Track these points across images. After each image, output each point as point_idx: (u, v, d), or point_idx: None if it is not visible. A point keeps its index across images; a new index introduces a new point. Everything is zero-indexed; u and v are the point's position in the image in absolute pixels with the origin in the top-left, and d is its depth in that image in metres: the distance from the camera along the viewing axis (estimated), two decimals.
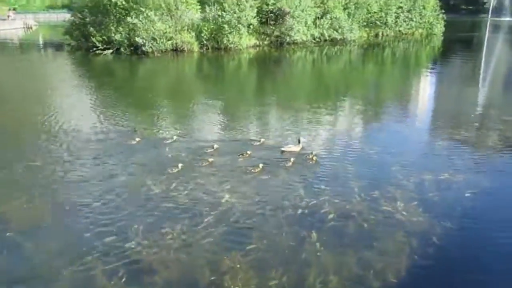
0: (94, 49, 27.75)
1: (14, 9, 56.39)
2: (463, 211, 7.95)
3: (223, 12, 29.01)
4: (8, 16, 55.01)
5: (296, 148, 10.07)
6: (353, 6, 36.21)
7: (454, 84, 21.74)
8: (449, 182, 9.19)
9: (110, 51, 27.77)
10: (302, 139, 10.36)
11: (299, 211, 7.86)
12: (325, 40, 35.64)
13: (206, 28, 29.23)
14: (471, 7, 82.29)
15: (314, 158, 9.81)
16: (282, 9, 31.25)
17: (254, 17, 30.33)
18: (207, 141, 11.53)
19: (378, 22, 39.35)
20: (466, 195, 8.60)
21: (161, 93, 19.33)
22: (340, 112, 15.69)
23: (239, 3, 28.98)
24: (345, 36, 35.68)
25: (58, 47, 34.02)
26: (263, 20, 32.29)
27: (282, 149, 10.13)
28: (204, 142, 11.39)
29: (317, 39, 34.46)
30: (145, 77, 23.76)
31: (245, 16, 29.12)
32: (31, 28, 55.22)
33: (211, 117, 14.44)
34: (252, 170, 9.29)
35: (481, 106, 16.75)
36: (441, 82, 22.50)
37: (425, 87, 21.46)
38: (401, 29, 41.36)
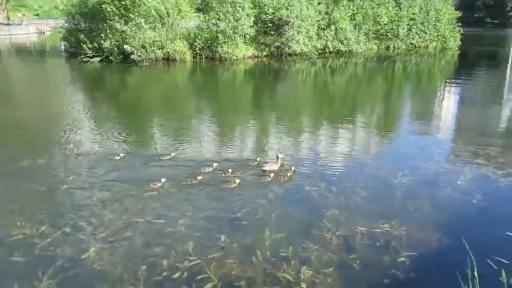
0: (83, 56, 26.84)
1: (24, 15, 56.77)
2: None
3: (217, 21, 27.78)
4: (21, 21, 55.50)
5: (275, 166, 9.36)
6: (361, 17, 34.39)
7: (470, 102, 19.73)
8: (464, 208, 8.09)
9: (98, 58, 26.84)
10: (280, 155, 9.63)
11: None
12: (330, 52, 34.00)
13: (199, 37, 28.03)
14: (496, 21, 79.05)
15: (288, 174, 9.11)
16: (282, 18, 29.77)
17: (251, 27, 28.92)
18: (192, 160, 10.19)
19: (389, 34, 37.43)
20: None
21: (142, 106, 17.82)
22: (338, 130, 13.76)
23: (235, 12, 27.66)
24: (351, 48, 33.90)
25: (59, 52, 33.53)
26: (262, 29, 30.91)
27: (263, 168, 9.37)
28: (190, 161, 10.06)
29: (319, 51, 32.77)
30: (127, 88, 22.63)
31: (241, 26, 27.73)
32: (43, 33, 55.57)
33: (196, 134, 13.10)
34: (228, 186, 8.55)
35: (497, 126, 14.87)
36: (454, 100, 20.49)
37: (436, 105, 19.18)
38: (413, 42, 39.33)
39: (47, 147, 11.22)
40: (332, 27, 32.96)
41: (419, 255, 6.37)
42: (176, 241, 6.65)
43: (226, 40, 27.80)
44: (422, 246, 6.69)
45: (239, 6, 27.59)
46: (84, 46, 27.26)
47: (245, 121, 14.72)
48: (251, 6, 29.39)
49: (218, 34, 27.63)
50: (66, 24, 30.72)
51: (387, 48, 38.70)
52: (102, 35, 26.95)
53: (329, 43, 33.12)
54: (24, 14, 57.46)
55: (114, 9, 26.23)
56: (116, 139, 11.93)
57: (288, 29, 29.83)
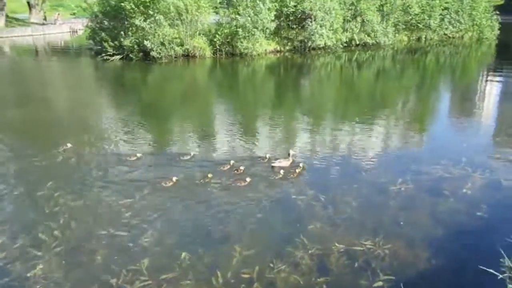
0: (103, 55, 27.02)
1: (58, 14, 58.25)
2: None
3: (237, 16, 27.22)
4: (55, 20, 56.97)
5: (286, 163, 9.19)
6: (389, 7, 32.82)
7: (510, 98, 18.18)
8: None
9: (119, 57, 26.93)
10: (292, 152, 9.49)
11: None
12: (357, 45, 32.70)
13: (219, 33, 27.57)
14: None
15: (297, 171, 8.93)
16: (305, 11, 28.84)
17: (272, 21, 28.16)
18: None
19: (420, 25, 35.60)
20: None
21: (159, 104, 17.54)
22: (361, 128, 12.98)
23: (255, 6, 26.98)
24: (378, 40, 32.47)
25: (84, 51, 34.03)
26: (284, 23, 30.10)
27: (272, 164, 9.25)
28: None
29: (345, 44, 31.56)
30: (145, 86, 22.43)
31: (261, 20, 27.03)
32: (76, 32, 56.82)
33: (214, 132, 12.84)
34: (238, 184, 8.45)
35: None
36: (492, 95, 18.77)
37: (472, 101, 17.51)
38: (447, 32, 37.25)
39: (49, 147, 11.00)
40: (358, 19, 31.63)
41: (399, 280, 5.62)
42: (132, 257, 6.22)
43: (246, 35, 27.19)
44: (406, 268, 5.96)
45: (259, 0, 26.86)
46: (106, 44, 27.43)
47: (264, 119, 14.29)
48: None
49: (238, 29, 27.05)
50: (90, 23, 30.99)
51: (419, 39, 36.89)
52: (122, 33, 26.93)
53: (355, 36, 31.82)
54: (59, 14, 58.91)
55: (133, 6, 26.16)
56: (133, 139, 11.81)
57: (311, 22, 28.82)
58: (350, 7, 31.66)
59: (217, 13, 29.03)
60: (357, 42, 32.32)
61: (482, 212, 7.39)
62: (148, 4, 26.22)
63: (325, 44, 30.06)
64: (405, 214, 7.36)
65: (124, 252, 6.33)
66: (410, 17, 34.87)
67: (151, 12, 25.66)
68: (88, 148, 10.89)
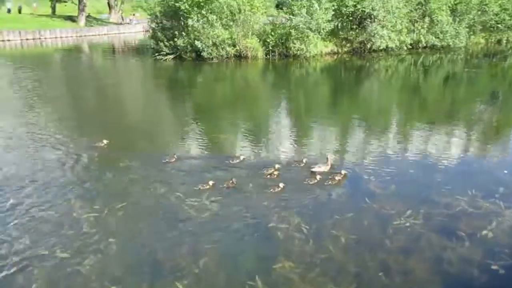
0: (156, 54, 27.47)
1: (133, 15, 60.89)
2: None
3: (291, 16, 26.26)
4: (130, 20, 59.72)
5: (325, 168, 9.01)
6: (464, 7, 29.87)
7: None
8: None
9: (172, 56, 27.20)
10: (330, 157, 9.28)
11: None
12: (425, 47, 30.23)
13: (272, 33, 26.80)
14: None
15: (337, 178, 8.61)
16: (365, 11, 27.10)
17: (330, 21, 26.80)
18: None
19: (500, 26, 32.06)
20: None
21: (205, 107, 17.08)
22: (412, 139, 11.86)
23: (310, 5, 25.82)
24: (448, 43, 29.70)
25: (146, 50, 35.05)
26: (343, 24, 28.57)
27: (312, 169, 9.04)
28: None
29: (409, 46, 29.27)
30: (192, 86, 22.27)
31: (315, 20, 25.81)
32: (148, 31, 59.06)
33: (261, 136, 12.37)
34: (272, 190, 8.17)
35: None
36: None
37: None
38: None
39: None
40: (426, 19, 29.16)
41: None
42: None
43: (300, 36, 26.13)
44: None
45: (315, 0, 25.68)
46: (161, 44, 27.87)
47: (312, 124, 13.67)
48: None
49: (291, 30, 26.09)
50: (150, 23, 31.74)
51: (499, 42, 33.26)
52: (176, 33, 27.17)
53: (421, 37, 29.38)
54: (134, 15, 61.68)
55: (187, 6, 26.26)
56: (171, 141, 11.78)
57: (371, 23, 27.02)
58: (417, 7, 29.28)
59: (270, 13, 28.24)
60: (424, 44, 29.83)
61: (499, 265, 5.88)
62: (202, 4, 26.16)
63: (387, 46, 28.06)
64: (401, 260, 6.06)
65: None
66: (489, 17, 31.49)
67: (204, 12, 25.52)
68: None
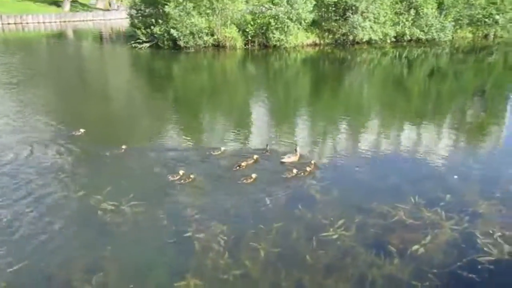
0: (132, 42, 26.70)
1: (121, 1, 59.66)
2: None
3: (271, 5, 25.49)
4: (118, 7, 58.53)
5: (294, 158, 9.15)
6: (450, 1, 29.13)
7: None
8: None
9: (148, 44, 26.41)
10: (298, 148, 9.40)
11: None
12: (409, 41, 29.52)
13: (252, 23, 26.01)
14: None
15: (308, 169, 8.58)
16: (347, 1, 26.35)
17: (311, 12, 26.05)
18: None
19: (487, 20, 31.35)
20: None
21: (177, 98, 16.75)
22: (384, 132, 11.61)
23: None
24: (434, 36, 29.03)
25: (125, 38, 34.14)
26: (326, 15, 27.80)
27: (281, 160, 9.14)
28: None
29: (393, 39, 28.59)
30: (165, 76, 21.54)
31: (296, 10, 25.04)
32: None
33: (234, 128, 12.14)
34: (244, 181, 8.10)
35: None
36: None
37: None
38: None
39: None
40: (412, 12, 28.43)
41: None
42: None
43: (279, 26, 25.38)
44: None
45: None
46: (138, 31, 27.09)
47: (282, 118, 13.53)
48: None
49: (271, 20, 25.32)
50: (130, 11, 30.86)
51: (486, 36, 32.56)
52: (153, 20, 26.36)
53: (406, 30, 28.68)
54: (122, 0, 60.42)
55: None
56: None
57: (352, 14, 26.29)
58: None
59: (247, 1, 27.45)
60: (409, 38, 29.14)
61: (425, 287, 5.33)
62: None
63: (370, 38, 27.36)
64: (318, 279, 5.51)
65: None
66: (476, 11, 30.77)
67: (181, 0, 24.68)
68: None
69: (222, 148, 9.55)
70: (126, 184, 7.87)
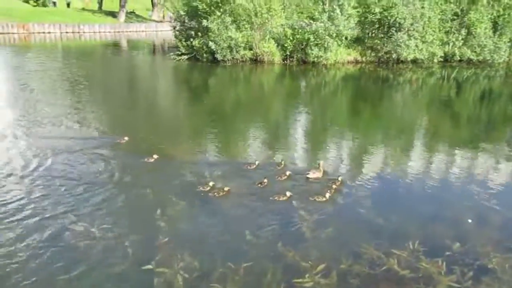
0: (171, 54, 27.08)
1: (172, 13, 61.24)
2: None
3: (311, 21, 24.93)
4: (171, 18, 60.16)
5: (319, 174, 9.08)
6: (506, 20, 27.19)
7: None
8: None
9: (186, 56, 26.66)
10: (321, 162, 9.32)
11: None
12: (460, 61, 27.81)
13: (291, 38, 25.53)
14: None
15: (334, 186, 8.45)
16: (391, 19, 25.25)
17: (353, 28, 25.22)
18: None
19: None
20: None
21: (209, 110, 16.35)
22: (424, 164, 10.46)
23: (332, 10, 24.37)
24: (485, 57, 27.17)
25: (170, 49, 34.84)
26: (369, 32, 26.83)
27: (307, 176, 9.03)
28: None
29: (441, 59, 27.06)
30: (201, 88, 21.50)
31: (336, 26, 24.31)
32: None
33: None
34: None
35: None
36: None
37: None
38: None
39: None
40: (463, 31, 26.79)
41: None
42: None
43: (318, 42, 24.72)
44: None
45: (337, 5, 24.19)
46: (179, 44, 27.46)
47: (313, 136, 13.07)
48: (356, 4, 25.63)
49: (310, 36, 24.73)
50: (174, 22, 31.40)
51: None
52: (193, 33, 26.61)
53: (456, 50, 27.06)
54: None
55: (205, 6, 25.59)
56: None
57: (396, 31, 25.13)
58: (453, 17, 27.00)
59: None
60: (459, 58, 27.46)
61: None
62: (220, 4, 25.40)
63: (415, 57, 26.04)
64: None
65: None
66: None
67: (218, 14, 24.73)
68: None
69: (257, 162, 9.57)
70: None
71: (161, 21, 61.08)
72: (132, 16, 60.25)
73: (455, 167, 10.09)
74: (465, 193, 8.59)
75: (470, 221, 7.25)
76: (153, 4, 64.63)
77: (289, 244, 6.47)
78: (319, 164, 9.23)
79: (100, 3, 62.42)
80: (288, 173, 8.98)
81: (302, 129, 13.63)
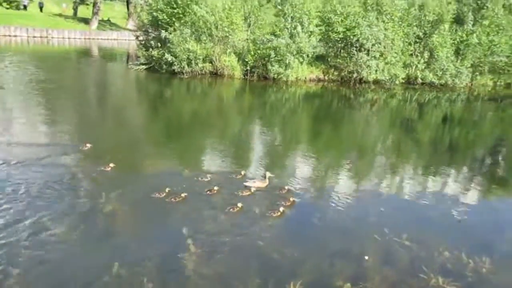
0: (130, 63, 26.37)
1: None
2: None
3: (272, 36, 24.54)
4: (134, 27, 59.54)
5: (262, 184, 9.03)
6: (468, 45, 27.36)
7: None
8: None
9: (144, 66, 25.95)
10: (268, 174, 9.26)
11: None
12: (422, 84, 27.76)
13: (252, 53, 25.07)
14: None
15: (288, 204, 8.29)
16: (353, 38, 25.07)
17: (315, 47, 24.92)
18: None
19: (510, 69, 29.25)
20: None
21: (158, 123, 15.85)
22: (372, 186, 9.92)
23: (294, 27, 24.05)
24: (447, 81, 27.21)
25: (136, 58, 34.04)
26: (331, 50, 26.58)
27: (245, 184, 8.95)
28: None
29: (402, 80, 26.97)
30: (152, 98, 20.75)
31: (297, 44, 23.97)
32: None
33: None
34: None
35: None
36: None
37: None
38: None
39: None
40: (425, 54, 26.81)
41: None
42: None
43: (279, 58, 24.31)
44: None
45: (297, 21, 23.89)
46: (139, 53, 26.81)
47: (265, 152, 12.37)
48: (319, 22, 25.40)
49: (271, 51, 24.31)
50: (137, 32, 30.77)
51: (508, 85, 30.34)
52: (152, 43, 25.98)
53: (418, 73, 27.02)
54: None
55: (165, 17, 25.03)
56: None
57: (357, 51, 24.93)
58: (417, 40, 27.02)
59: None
60: (421, 81, 27.44)
61: None
62: (180, 16, 24.86)
63: (376, 78, 25.85)
64: None
65: None
66: (499, 59, 28.75)
67: (177, 25, 24.18)
68: None
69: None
70: None
71: (136, 31, 60.26)
72: (106, 24, 59.32)
73: (390, 193, 9.54)
74: (381, 225, 7.93)
75: (366, 258, 6.58)
76: (128, 14, 63.86)
77: None
78: (265, 175, 9.27)
79: (75, 10, 61.39)
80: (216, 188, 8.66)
81: (255, 144, 13.13)
